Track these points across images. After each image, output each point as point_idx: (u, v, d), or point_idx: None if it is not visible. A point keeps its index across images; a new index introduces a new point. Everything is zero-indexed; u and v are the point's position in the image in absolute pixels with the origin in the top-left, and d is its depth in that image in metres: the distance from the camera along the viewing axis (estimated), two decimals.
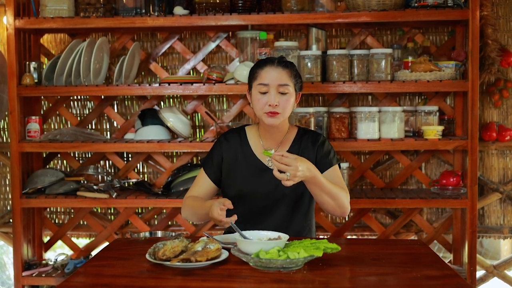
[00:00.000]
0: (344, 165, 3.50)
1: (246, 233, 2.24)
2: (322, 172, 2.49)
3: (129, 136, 3.76)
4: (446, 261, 3.75)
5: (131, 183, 3.73)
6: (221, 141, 2.65)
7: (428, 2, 3.34)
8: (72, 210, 4.02)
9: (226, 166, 2.62)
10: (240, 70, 3.41)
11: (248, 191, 2.56)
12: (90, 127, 3.98)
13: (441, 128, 3.44)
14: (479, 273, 3.87)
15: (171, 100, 3.96)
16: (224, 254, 2.11)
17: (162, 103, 3.93)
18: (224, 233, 2.70)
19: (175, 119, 3.63)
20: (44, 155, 3.92)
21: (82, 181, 3.67)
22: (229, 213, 2.61)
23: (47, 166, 3.92)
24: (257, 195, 2.56)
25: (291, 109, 2.53)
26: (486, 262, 3.98)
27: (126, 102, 3.98)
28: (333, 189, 2.43)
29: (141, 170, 4.01)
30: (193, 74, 3.89)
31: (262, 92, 2.48)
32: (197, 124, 3.97)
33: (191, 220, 2.68)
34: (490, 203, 3.88)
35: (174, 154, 3.97)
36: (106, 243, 3.79)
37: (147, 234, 3.44)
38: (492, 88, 3.78)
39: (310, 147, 2.60)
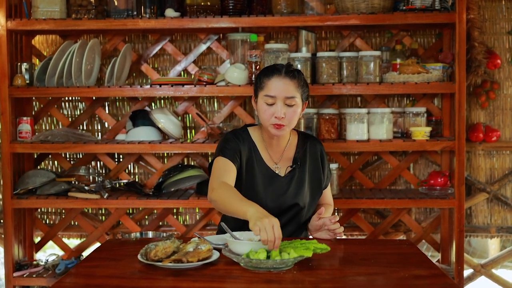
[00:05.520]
0: (334, 166, 3.53)
1: (237, 233, 2.26)
2: (325, 187, 2.70)
3: (120, 137, 3.78)
4: (434, 260, 3.80)
5: (122, 184, 3.75)
6: (232, 137, 2.53)
7: (416, 6, 3.38)
8: (63, 211, 4.03)
9: (243, 162, 2.51)
10: (230, 72, 3.44)
11: (258, 197, 2.50)
12: (81, 128, 3.99)
13: (428, 129, 3.48)
14: (467, 272, 3.91)
15: (162, 101, 3.98)
16: (215, 255, 2.13)
17: (153, 104, 3.95)
18: (216, 234, 2.73)
19: (166, 120, 3.64)
20: (35, 156, 3.92)
21: (73, 182, 3.68)
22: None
23: (38, 167, 3.93)
24: (266, 202, 2.51)
25: (297, 120, 2.51)
26: (473, 261, 4.02)
27: (117, 103, 3.99)
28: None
29: (132, 171, 4.02)
30: (184, 75, 3.91)
31: (269, 104, 2.46)
32: (188, 125, 3.99)
33: (218, 207, 2.37)
34: (477, 202, 3.93)
35: (165, 155, 3.99)
36: (97, 244, 3.81)
37: (138, 234, 3.47)
38: (479, 89, 3.82)
39: (314, 157, 2.63)
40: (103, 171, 3.99)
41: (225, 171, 2.43)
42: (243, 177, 2.54)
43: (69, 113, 4.03)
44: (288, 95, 2.45)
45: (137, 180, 3.99)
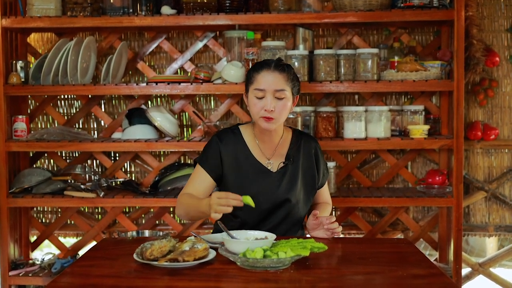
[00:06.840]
0: (331, 164, 3.52)
1: (233, 232, 2.25)
2: (321, 186, 2.70)
3: (116, 135, 3.76)
4: (432, 259, 3.78)
5: (118, 183, 3.73)
6: (215, 140, 2.57)
7: (414, 3, 3.36)
8: (59, 210, 4.01)
9: (227, 165, 2.55)
10: (227, 69, 3.42)
11: (249, 193, 2.46)
12: (77, 126, 3.97)
13: (427, 127, 3.47)
14: (465, 270, 3.91)
15: (158, 99, 3.96)
16: (212, 254, 2.12)
17: (149, 102, 3.93)
18: (212, 233, 2.71)
19: (162, 119, 3.63)
20: (31, 155, 3.90)
21: (69, 181, 3.66)
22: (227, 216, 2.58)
23: (34, 166, 3.91)
24: (259, 198, 2.49)
25: (287, 114, 2.52)
26: (471, 260, 4.02)
27: (113, 102, 3.98)
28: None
29: (128, 170, 4.01)
30: (180, 73, 3.89)
31: (259, 97, 2.47)
32: (184, 123, 3.98)
33: (184, 218, 2.57)
34: (475, 201, 3.92)
35: (162, 153, 3.97)
36: (93, 243, 3.79)
37: (134, 233, 3.45)
38: (477, 87, 3.82)
39: (308, 154, 2.62)
40: (99, 170, 3.97)
41: (197, 181, 2.57)
42: (229, 177, 2.55)
43: (65, 111, 4.01)
44: (277, 88, 2.46)
45: (133, 178, 3.98)
